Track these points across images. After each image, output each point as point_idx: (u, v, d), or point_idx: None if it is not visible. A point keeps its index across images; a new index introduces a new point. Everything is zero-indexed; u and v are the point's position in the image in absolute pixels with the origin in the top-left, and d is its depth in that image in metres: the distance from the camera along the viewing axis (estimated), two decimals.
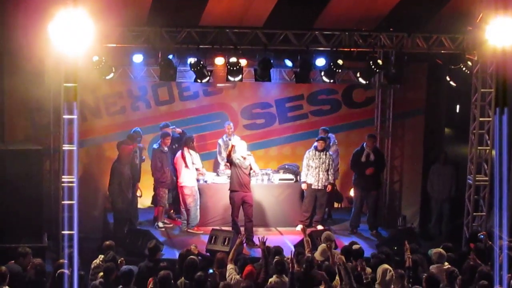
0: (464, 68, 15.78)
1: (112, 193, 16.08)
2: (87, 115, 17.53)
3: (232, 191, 15.81)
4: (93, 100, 17.63)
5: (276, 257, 11.74)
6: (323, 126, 17.98)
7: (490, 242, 13.15)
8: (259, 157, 17.96)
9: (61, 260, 11.70)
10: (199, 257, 12.12)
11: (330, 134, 17.75)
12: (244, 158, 15.77)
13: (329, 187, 16.83)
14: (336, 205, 18.71)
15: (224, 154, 16.77)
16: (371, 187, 17.01)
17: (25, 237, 14.09)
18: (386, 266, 11.37)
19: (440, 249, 12.39)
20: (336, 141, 17.85)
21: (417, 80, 18.08)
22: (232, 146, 15.82)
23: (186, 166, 16.40)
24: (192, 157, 16.46)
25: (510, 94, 13.26)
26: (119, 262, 11.85)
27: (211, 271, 12.11)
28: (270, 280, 11.20)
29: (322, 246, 12.41)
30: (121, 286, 10.94)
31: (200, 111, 18.59)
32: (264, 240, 11.58)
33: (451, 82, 16.52)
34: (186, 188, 16.47)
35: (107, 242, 12.83)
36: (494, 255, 12.26)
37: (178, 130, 17.31)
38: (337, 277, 10.83)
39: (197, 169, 16.59)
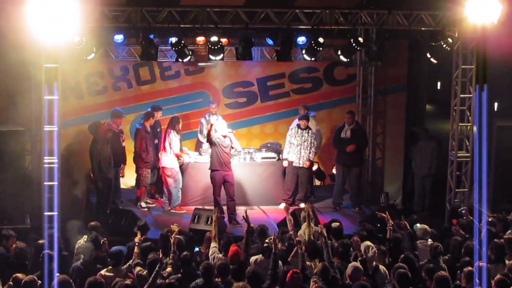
0: (444, 45, 15.82)
1: (93, 174, 16.04)
2: (69, 96, 17.48)
3: (212, 170, 15.77)
4: (74, 81, 17.59)
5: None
6: (303, 104, 17.99)
7: (471, 217, 13.29)
8: (242, 136, 18.02)
9: (40, 241, 11.68)
10: (182, 236, 12.11)
11: (310, 112, 17.69)
12: (225, 137, 15.75)
13: (307, 163, 16.79)
14: (318, 183, 18.78)
15: (206, 133, 16.73)
16: (353, 164, 17.03)
17: (7, 218, 14.08)
18: (368, 243, 11.43)
19: (425, 226, 12.49)
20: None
21: (398, 57, 18.18)
22: (211, 125, 15.76)
23: (164, 149, 16.38)
24: (172, 140, 16.35)
25: (490, 71, 13.32)
26: (102, 242, 11.86)
27: (197, 249, 12.13)
28: (256, 257, 11.24)
29: (306, 224, 12.45)
30: (110, 267, 10.96)
31: (182, 90, 18.59)
32: (247, 214, 11.65)
33: (432, 59, 16.54)
34: (167, 169, 16.44)
35: (92, 223, 12.83)
36: (474, 230, 12.39)
37: None
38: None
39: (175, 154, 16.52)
